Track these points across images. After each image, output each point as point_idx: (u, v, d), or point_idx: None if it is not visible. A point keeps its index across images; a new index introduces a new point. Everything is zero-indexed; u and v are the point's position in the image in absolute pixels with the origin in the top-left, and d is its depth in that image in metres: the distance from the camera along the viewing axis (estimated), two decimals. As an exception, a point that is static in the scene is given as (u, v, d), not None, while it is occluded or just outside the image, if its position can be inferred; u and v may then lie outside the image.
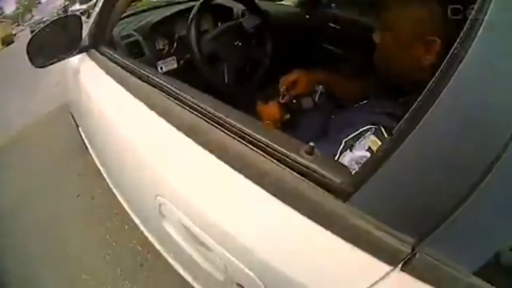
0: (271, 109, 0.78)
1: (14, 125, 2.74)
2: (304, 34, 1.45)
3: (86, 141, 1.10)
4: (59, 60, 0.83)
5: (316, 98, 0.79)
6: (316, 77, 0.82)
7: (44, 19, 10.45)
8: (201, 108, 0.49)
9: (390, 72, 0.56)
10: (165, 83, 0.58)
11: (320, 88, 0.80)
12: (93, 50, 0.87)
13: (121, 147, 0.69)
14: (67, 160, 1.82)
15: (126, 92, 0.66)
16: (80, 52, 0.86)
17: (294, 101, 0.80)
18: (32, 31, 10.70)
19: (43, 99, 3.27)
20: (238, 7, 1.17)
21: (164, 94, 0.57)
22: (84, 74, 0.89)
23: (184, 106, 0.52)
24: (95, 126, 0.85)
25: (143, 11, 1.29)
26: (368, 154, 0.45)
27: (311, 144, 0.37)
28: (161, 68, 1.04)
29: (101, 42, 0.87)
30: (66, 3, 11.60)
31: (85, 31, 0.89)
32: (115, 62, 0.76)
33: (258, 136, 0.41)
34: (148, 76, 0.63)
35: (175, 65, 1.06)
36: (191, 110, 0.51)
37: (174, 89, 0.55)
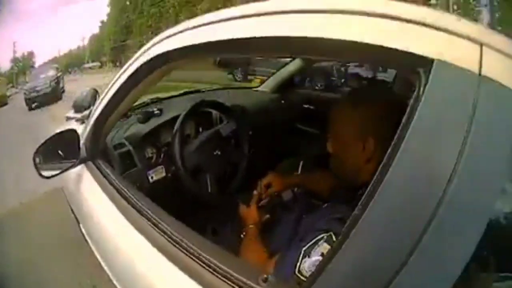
0: (251, 213, 0.82)
1: (10, 199, 2.70)
2: (281, 120, 1.47)
3: (87, 237, 1.02)
4: (63, 171, 0.86)
5: (295, 190, 0.86)
6: (290, 181, 0.89)
7: (38, 88, 10.19)
8: (170, 233, 0.56)
9: (344, 175, 0.61)
10: (145, 209, 0.64)
11: (295, 190, 0.86)
12: (90, 162, 0.90)
13: (117, 256, 0.70)
14: (65, 247, 1.71)
15: (117, 212, 0.71)
16: (80, 163, 0.89)
17: (275, 193, 0.86)
18: (26, 99, 10.04)
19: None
20: (216, 112, 1.25)
21: (144, 218, 0.63)
22: (83, 184, 0.90)
23: (157, 229, 0.59)
24: (95, 230, 0.85)
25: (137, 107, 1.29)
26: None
27: (265, 276, 0.42)
28: (151, 177, 1.05)
29: (96, 154, 0.90)
30: (58, 75, 11.70)
31: (82, 140, 0.90)
32: (108, 179, 0.80)
33: (220, 265, 0.46)
34: (132, 198, 0.70)
35: (164, 174, 1.07)
36: (162, 234, 0.57)
37: (151, 214, 0.62)
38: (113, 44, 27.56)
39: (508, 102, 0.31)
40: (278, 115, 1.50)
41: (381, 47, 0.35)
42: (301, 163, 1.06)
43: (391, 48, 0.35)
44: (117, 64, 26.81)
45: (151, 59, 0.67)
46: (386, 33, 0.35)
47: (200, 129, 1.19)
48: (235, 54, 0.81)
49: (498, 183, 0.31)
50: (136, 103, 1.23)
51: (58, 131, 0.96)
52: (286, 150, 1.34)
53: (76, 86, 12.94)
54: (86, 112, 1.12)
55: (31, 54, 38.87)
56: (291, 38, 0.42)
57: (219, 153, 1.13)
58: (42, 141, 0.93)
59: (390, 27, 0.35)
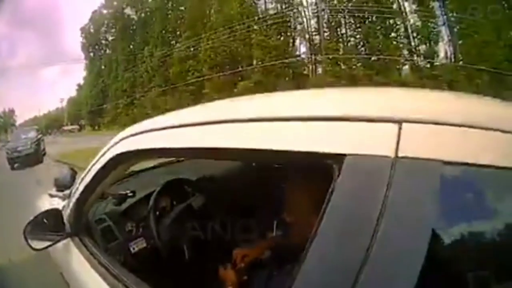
0: (228, 275, 0.88)
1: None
2: (254, 183, 1.52)
3: None
4: (51, 245, 0.95)
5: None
6: (265, 246, 0.97)
7: (19, 148, 10.31)
8: None
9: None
10: (125, 280, 0.71)
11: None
12: (74, 237, 0.97)
13: None
14: None
15: (101, 281, 0.77)
16: (65, 238, 0.97)
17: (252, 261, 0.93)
18: (8, 158, 10.25)
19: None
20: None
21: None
22: (70, 256, 0.97)
23: None
24: None
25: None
26: None
27: None
28: (133, 248, 1.12)
29: (79, 229, 0.98)
30: (39, 137, 11.92)
31: (65, 216, 0.99)
32: (92, 253, 0.88)
33: None
34: (115, 272, 0.77)
35: (144, 245, 1.15)
36: None
37: (130, 286, 0.70)
38: (90, 108, 27.54)
39: (425, 177, 0.35)
40: (250, 178, 1.53)
41: (299, 152, 0.42)
42: (275, 223, 1.11)
43: (303, 152, 0.41)
44: (96, 128, 26.69)
45: (114, 156, 0.77)
46: (298, 137, 0.42)
47: (174, 202, 1.26)
48: (190, 158, 1.10)
49: (414, 259, 0.34)
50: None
51: (43, 210, 1.05)
52: (261, 212, 1.35)
53: (58, 149, 12.99)
54: (67, 191, 1.22)
55: (12, 112, 38.81)
56: (228, 149, 0.50)
57: (192, 224, 1.18)
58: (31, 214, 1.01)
59: (303, 130, 0.42)
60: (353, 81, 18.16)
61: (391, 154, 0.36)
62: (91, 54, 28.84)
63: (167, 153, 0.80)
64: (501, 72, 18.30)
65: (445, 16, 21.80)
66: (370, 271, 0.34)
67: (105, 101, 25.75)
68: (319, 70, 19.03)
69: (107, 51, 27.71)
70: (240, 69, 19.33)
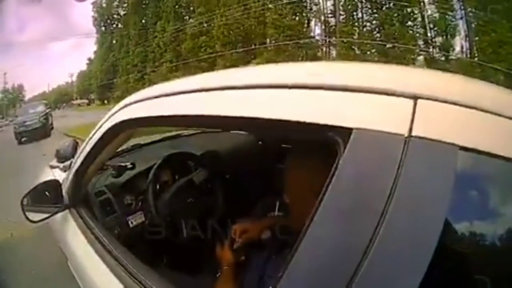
0: (225, 255, 0.86)
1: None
2: (259, 161, 1.48)
3: (74, 274, 1.07)
4: (48, 217, 0.95)
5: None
6: (265, 223, 0.91)
7: (27, 123, 10.47)
8: (145, 281, 0.61)
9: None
10: (120, 257, 0.70)
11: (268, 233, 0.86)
12: (72, 209, 0.97)
13: None
14: (55, 281, 1.73)
15: (98, 259, 0.77)
16: (63, 210, 0.97)
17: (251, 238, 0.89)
18: (15, 132, 10.36)
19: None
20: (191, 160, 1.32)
21: (121, 267, 0.69)
22: (68, 229, 0.97)
23: (133, 278, 0.64)
24: (80, 271, 0.90)
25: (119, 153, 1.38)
26: None
27: None
28: (131, 222, 1.12)
29: (78, 201, 0.98)
30: (47, 111, 12.11)
31: (64, 188, 0.99)
32: (88, 226, 0.87)
33: None
34: (110, 246, 0.77)
35: (143, 219, 1.14)
36: (137, 282, 0.63)
37: (127, 263, 0.69)
38: (100, 82, 27.62)
39: (437, 158, 0.32)
40: (255, 156, 1.52)
41: (301, 123, 0.38)
42: (277, 203, 1.07)
43: (305, 122, 0.38)
44: (105, 102, 26.79)
45: (114, 125, 0.76)
46: (300, 107, 0.39)
47: (176, 176, 1.24)
48: (189, 127, 1.06)
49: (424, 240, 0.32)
50: (119, 149, 1.27)
51: (42, 181, 1.06)
52: (265, 191, 1.33)
53: (66, 122, 13.19)
54: (68, 163, 1.22)
55: (20, 87, 39.01)
56: (228, 117, 0.47)
57: (192, 200, 1.19)
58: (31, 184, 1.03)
59: (313, 99, 0.38)
60: (366, 66, 18.05)
61: (405, 132, 0.33)
62: (103, 28, 28.67)
63: (166, 121, 0.73)
64: None
65: (463, 11, 21.37)
66: (375, 256, 0.31)
67: (115, 75, 25.78)
68: (333, 53, 18.81)
69: (119, 25, 27.55)
70: (253, 47, 19.14)
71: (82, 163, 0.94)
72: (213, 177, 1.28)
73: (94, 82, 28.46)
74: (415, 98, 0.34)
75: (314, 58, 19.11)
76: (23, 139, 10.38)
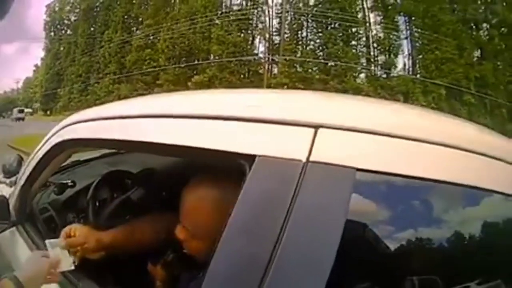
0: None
1: None
2: (185, 177, 1.62)
3: None
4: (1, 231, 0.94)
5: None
6: (102, 236, 0.78)
7: None
8: None
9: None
10: (68, 275, 0.69)
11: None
12: (19, 226, 0.96)
13: None
14: None
15: None
16: (11, 226, 0.96)
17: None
18: None
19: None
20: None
21: (68, 283, 0.69)
22: (15, 244, 0.95)
23: None
24: None
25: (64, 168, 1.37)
26: None
27: None
28: None
29: (24, 218, 0.98)
30: None
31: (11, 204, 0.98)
32: (35, 243, 0.87)
33: None
34: None
35: None
36: None
37: (74, 280, 0.69)
38: (44, 91, 26.14)
39: (335, 183, 0.36)
40: (183, 174, 1.31)
41: (212, 150, 0.43)
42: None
43: (219, 150, 0.42)
44: (47, 113, 25.28)
45: (58, 143, 0.79)
46: (214, 135, 0.44)
47: (115, 194, 1.24)
48: (127, 151, 1.18)
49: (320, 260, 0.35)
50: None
51: None
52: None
53: (10, 132, 12.82)
54: (14, 178, 1.24)
55: None
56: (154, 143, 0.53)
57: (130, 217, 1.15)
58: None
59: (222, 128, 0.44)
60: (307, 83, 18.58)
61: (303, 158, 0.36)
62: (52, 33, 27.35)
63: (107, 144, 0.80)
64: (457, 88, 19.64)
65: (409, 31, 22.90)
66: (275, 273, 0.34)
67: (59, 85, 24.50)
68: (275, 70, 19.29)
69: (68, 31, 26.39)
70: (196, 62, 19.20)
71: (27, 179, 0.95)
72: (149, 194, 1.27)
73: (39, 91, 27.03)
74: (316, 127, 0.38)
75: (256, 74, 19.48)
76: None
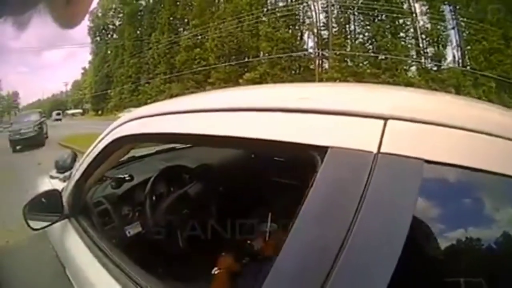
0: (225, 260, 0.92)
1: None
2: (251, 174, 1.51)
3: (73, 282, 1.07)
4: (49, 225, 0.99)
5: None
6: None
7: (22, 131, 10.48)
8: (145, 285, 0.64)
9: None
10: (119, 262, 0.73)
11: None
12: (72, 218, 1.00)
13: None
14: None
15: (98, 265, 0.79)
16: (63, 219, 1.00)
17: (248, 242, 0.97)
18: (10, 140, 10.25)
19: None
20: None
21: (122, 272, 0.71)
22: (67, 237, 1.00)
23: (133, 282, 0.67)
24: (79, 278, 0.92)
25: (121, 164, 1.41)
26: None
27: None
28: (129, 232, 1.14)
29: (77, 211, 1.01)
30: (41, 120, 11.87)
31: (64, 198, 1.02)
32: (88, 235, 0.90)
33: None
34: (110, 253, 0.79)
35: (140, 229, 1.17)
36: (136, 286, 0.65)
37: (127, 269, 0.71)
38: (94, 92, 27.58)
39: (405, 174, 0.36)
40: (248, 169, 1.56)
41: (282, 142, 0.44)
42: (269, 215, 1.11)
43: (290, 142, 0.43)
44: (99, 112, 26.72)
45: (114, 140, 0.81)
46: (284, 128, 0.45)
47: (172, 189, 1.27)
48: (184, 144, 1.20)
49: (388, 252, 0.35)
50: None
51: (44, 190, 1.10)
52: (257, 203, 1.38)
53: (60, 131, 13.09)
54: (67, 173, 1.28)
55: (15, 94, 38.80)
56: (220, 136, 0.53)
57: (187, 211, 1.22)
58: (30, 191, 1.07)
59: (288, 120, 0.45)
60: (359, 78, 18.09)
61: (374, 149, 0.37)
62: (98, 38, 28.75)
63: (163, 139, 0.82)
64: (508, 80, 18.32)
65: (455, 21, 21.65)
66: (345, 263, 0.35)
67: (109, 86, 25.71)
68: (326, 65, 18.95)
69: (114, 36, 27.61)
70: (246, 60, 19.28)
71: (82, 174, 0.98)
72: (206, 189, 1.32)
73: (88, 92, 28.51)
74: (385, 118, 0.39)
75: (307, 70, 19.26)
76: (17, 147, 10.20)
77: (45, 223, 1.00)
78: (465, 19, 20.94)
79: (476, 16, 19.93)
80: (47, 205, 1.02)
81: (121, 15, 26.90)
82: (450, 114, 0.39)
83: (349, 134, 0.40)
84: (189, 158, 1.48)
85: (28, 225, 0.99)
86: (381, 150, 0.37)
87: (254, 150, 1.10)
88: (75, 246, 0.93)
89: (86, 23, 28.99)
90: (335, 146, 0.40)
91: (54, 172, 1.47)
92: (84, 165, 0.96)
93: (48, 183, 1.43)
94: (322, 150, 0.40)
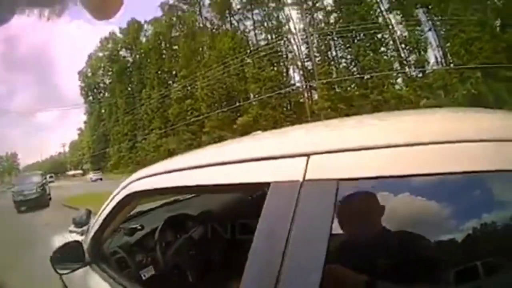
0: None
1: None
2: (247, 215, 1.54)
3: None
4: (74, 270, 1.13)
5: None
6: None
7: (25, 192, 10.75)
8: None
9: None
10: None
11: None
12: (93, 265, 1.14)
13: None
14: None
15: None
16: (85, 266, 1.15)
17: None
18: (14, 201, 10.53)
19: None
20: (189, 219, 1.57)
21: None
22: (90, 283, 1.13)
23: None
24: None
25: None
26: None
27: None
28: (144, 275, 1.27)
29: (97, 258, 1.16)
30: (44, 181, 12.29)
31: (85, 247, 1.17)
32: (107, 281, 1.04)
33: None
34: None
35: (153, 272, 1.32)
36: None
37: None
38: (92, 152, 27.84)
39: (324, 192, 0.48)
40: (244, 212, 1.56)
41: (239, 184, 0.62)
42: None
43: (246, 183, 0.60)
44: (98, 171, 26.89)
45: (125, 196, 1.00)
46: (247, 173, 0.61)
47: (178, 235, 1.44)
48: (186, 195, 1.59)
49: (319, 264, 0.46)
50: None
51: (67, 241, 1.25)
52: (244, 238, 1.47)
53: (62, 192, 13.43)
54: (85, 228, 1.49)
55: (14, 155, 39.17)
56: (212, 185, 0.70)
57: (194, 253, 1.39)
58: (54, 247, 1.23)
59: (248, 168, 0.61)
60: (349, 102, 18.28)
61: (300, 178, 0.50)
62: (90, 97, 29.44)
63: (167, 192, 1.06)
64: (491, 66, 18.45)
65: (430, 22, 22.18)
66: (286, 268, 0.47)
67: (107, 145, 26.00)
68: (315, 96, 19.26)
69: (106, 94, 28.26)
70: (237, 104, 19.61)
71: (100, 226, 1.14)
72: (209, 232, 1.50)
73: (87, 152, 28.90)
74: (308, 154, 0.52)
75: (298, 104, 19.53)
76: (22, 208, 10.41)
77: (69, 270, 1.15)
78: (439, 17, 21.39)
79: (449, 11, 20.39)
80: (70, 254, 1.17)
81: (110, 73, 27.63)
82: (354, 140, 0.51)
83: (283, 170, 0.54)
84: (190, 208, 1.69)
85: (55, 271, 1.13)
86: (306, 178, 0.50)
87: (232, 193, 1.37)
88: (99, 284, 1.07)
89: (77, 83, 29.93)
90: (274, 181, 0.54)
91: (72, 227, 1.67)
92: (101, 218, 1.12)
93: (67, 237, 1.60)
94: (268, 185, 0.55)
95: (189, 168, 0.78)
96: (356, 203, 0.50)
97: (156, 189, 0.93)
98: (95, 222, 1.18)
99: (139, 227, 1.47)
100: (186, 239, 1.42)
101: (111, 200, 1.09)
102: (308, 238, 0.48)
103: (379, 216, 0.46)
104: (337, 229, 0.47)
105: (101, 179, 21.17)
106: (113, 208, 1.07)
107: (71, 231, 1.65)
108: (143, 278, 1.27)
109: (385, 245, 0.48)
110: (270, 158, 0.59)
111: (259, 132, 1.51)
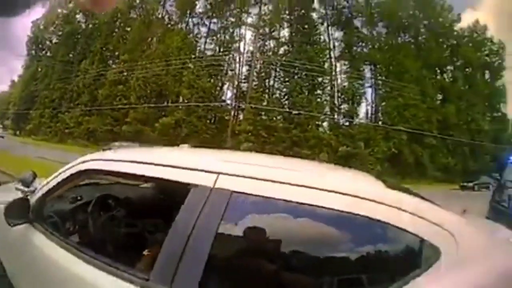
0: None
1: None
2: (155, 203, 1.94)
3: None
4: (21, 223, 1.30)
5: None
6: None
7: None
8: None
9: None
10: (70, 248, 1.12)
11: None
12: (35, 224, 1.31)
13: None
14: None
15: (52, 259, 1.16)
16: (28, 222, 1.31)
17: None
18: None
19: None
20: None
21: (76, 251, 1.11)
22: (28, 237, 1.31)
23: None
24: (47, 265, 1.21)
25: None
26: None
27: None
28: (71, 240, 1.38)
29: (38, 219, 1.33)
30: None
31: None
32: (48, 238, 1.24)
33: None
34: (65, 246, 1.17)
35: (78, 240, 1.49)
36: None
37: (76, 253, 1.10)
38: (17, 109, 25.93)
39: (221, 197, 0.82)
40: (153, 200, 2.03)
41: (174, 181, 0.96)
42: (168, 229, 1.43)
43: (177, 181, 0.95)
44: (16, 133, 25.15)
45: (78, 172, 1.26)
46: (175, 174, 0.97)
47: (103, 212, 1.65)
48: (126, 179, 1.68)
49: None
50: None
51: (19, 197, 1.44)
52: (159, 222, 1.76)
53: None
54: (31, 188, 1.63)
55: None
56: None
57: (115, 228, 1.61)
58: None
59: None
60: (271, 131, 18.94)
61: (211, 185, 0.83)
62: (33, 51, 27.45)
63: (115, 175, 1.36)
64: (417, 132, 20.06)
65: (373, 79, 23.54)
66: (188, 252, 0.77)
67: (32, 106, 24.42)
68: (241, 117, 20.09)
69: (48, 53, 26.60)
70: (165, 104, 19.78)
71: (47, 191, 1.38)
72: (128, 214, 1.71)
73: (12, 108, 26.95)
74: (218, 172, 0.87)
75: (222, 120, 20.16)
76: None
77: (17, 222, 1.32)
78: (384, 78, 22.97)
79: (396, 75, 21.79)
80: (18, 210, 1.34)
81: (60, 33, 26.10)
82: (246, 170, 0.88)
83: (203, 178, 0.87)
84: (119, 191, 1.89)
85: (7, 221, 1.29)
86: (215, 186, 0.83)
87: (165, 187, 1.76)
88: (40, 243, 1.28)
89: (27, 32, 27.58)
90: (195, 183, 0.86)
91: (19, 185, 1.82)
92: (51, 184, 1.36)
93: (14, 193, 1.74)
94: (192, 185, 0.87)
95: (137, 162, 1.10)
96: (239, 207, 0.84)
97: (107, 171, 1.26)
98: (44, 186, 1.38)
99: (79, 198, 1.70)
100: (110, 216, 1.63)
101: (63, 171, 1.32)
102: (208, 224, 0.79)
103: (253, 221, 0.84)
104: (226, 218, 0.79)
105: (2, 137, 19.88)
106: (64, 179, 1.31)
107: (17, 188, 1.78)
108: (71, 243, 1.37)
109: (251, 240, 0.83)
110: (197, 169, 0.91)
111: (185, 145, 1.96)
